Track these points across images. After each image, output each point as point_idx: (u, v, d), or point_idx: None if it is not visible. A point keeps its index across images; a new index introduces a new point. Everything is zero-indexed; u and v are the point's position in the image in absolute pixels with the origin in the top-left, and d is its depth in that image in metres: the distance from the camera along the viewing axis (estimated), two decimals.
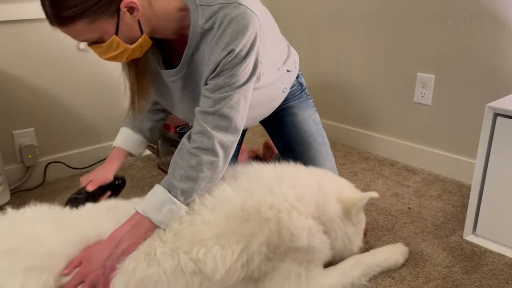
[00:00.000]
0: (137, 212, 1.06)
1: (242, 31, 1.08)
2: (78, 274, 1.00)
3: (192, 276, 1.01)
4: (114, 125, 2.14)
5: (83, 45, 1.91)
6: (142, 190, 1.87)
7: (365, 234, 1.50)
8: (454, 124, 1.90)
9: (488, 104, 1.37)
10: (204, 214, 1.07)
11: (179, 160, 1.11)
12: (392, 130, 2.14)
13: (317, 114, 1.58)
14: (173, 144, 1.96)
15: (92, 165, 2.07)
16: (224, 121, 1.11)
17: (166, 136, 1.93)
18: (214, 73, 1.12)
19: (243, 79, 1.13)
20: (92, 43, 1.07)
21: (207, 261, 1.01)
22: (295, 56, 1.51)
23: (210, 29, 1.12)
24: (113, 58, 1.10)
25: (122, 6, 1.02)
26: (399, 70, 2.03)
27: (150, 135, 1.50)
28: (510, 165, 1.36)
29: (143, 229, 1.05)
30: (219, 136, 1.10)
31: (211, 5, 1.11)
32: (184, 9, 1.14)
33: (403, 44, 1.99)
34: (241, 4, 1.10)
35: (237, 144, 1.54)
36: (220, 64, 1.10)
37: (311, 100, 1.60)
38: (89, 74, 2.00)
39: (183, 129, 1.87)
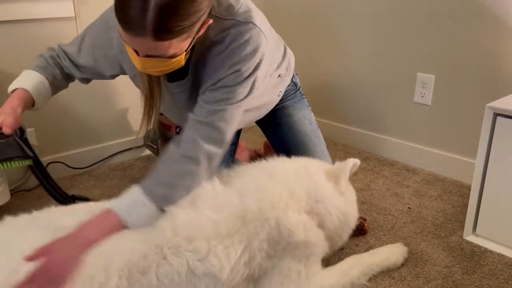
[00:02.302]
0: (109, 208, 1.02)
1: (251, 54, 1.09)
2: (40, 265, 0.91)
3: (202, 277, 1.01)
4: (114, 125, 2.14)
5: None
6: None
7: (365, 233, 1.51)
8: (454, 124, 1.90)
9: (488, 104, 1.37)
10: (209, 215, 1.06)
11: (162, 164, 1.08)
12: (392, 130, 2.14)
13: (312, 113, 1.58)
14: None
15: (92, 165, 2.07)
16: (215, 133, 1.11)
17: (166, 136, 1.93)
18: (214, 86, 1.11)
19: (241, 96, 1.14)
20: (152, 56, 0.97)
21: (212, 261, 1.01)
22: (290, 59, 1.51)
23: (218, 42, 1.10)
24: (160, 72, 1.04)
25: (204, 25, 0.98)
26: (399, 70, 2.03)
27: (56, 87, 1.35)
28: (510, 165, 1.36)
29: (110, 223, 1.00)
30: (206, 146, 1.09)
31: (225, 19, 1.09)
32: None
33: (403, 44, 1.99)
34: (255, 25, 1.09)
35: (232, 144, 1.55)
36: (222, 80, 1.10)
37: (305, 100, 1.60)
38: None
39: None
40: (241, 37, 1.08)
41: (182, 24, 0.90)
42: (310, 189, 1.17)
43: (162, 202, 1.04)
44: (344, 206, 1.23)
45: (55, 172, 1.98)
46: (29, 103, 1.24)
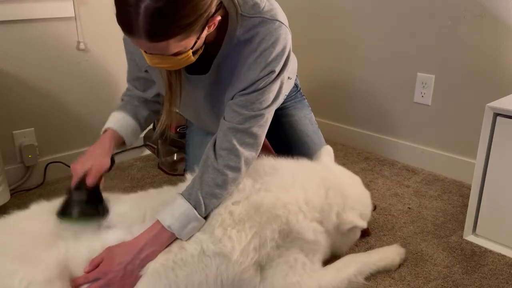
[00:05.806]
0: (159, 221, 1.08)
1: (281, 52, 1.10)
2: (98, 271, 1.02)
3: (213, 258, 1.07)
4: None
5: (83, 45, 1.91)
6: (142, 190, 1.86)
7: (369, 235, 1.51)
8: (454, 124, 1.90)
9: (488, 104, 1.37)
10: (229, 206, 1.13)
11: (205, 175, 1.12)
12: (392, 130, 2.14)
13: (312, 114, 1.59)
14: (173, 144, 1.96)
15: None
16: (252, 139, 1.14)
17: (166, 135, 1.93)
18: (248, 89, 1.11)
19: (273, 96, 1.14)
20: (156, 54, 0.98)
21: (225, 242, 1.07)
22: (294, 61, 1.51)
23: (248, 42, 1.09)
24: (170, 67, 1.05)
25: (210, 23, 0.98)
26: (399, 70, 2.03)
27: (145, 125, 1.38)
28: (510, 165, 1.36)
29: (165, 238, 1.07)
30: (245, 153, 1.13)
31: (252, 17, 1.08)
32: (224, 15, 1.09)
33: (403, 44, 1.99)
34: (282, 23, 1.10)
35: None
36: (256, 83, 1.10)
37: (305, 100, 1.61)
38: (89, 74, 2.00)
39: (183, 129, 1.87)
40: (270, 36, 1.08)
41: (175, 25, 0.90)
42: (324, 209, 1.20)
43: (209, 211, 1.12)
44: (340, 242, 1.28)
45: (55, 172, 1.99)
46: (118, 139, 1.29)
